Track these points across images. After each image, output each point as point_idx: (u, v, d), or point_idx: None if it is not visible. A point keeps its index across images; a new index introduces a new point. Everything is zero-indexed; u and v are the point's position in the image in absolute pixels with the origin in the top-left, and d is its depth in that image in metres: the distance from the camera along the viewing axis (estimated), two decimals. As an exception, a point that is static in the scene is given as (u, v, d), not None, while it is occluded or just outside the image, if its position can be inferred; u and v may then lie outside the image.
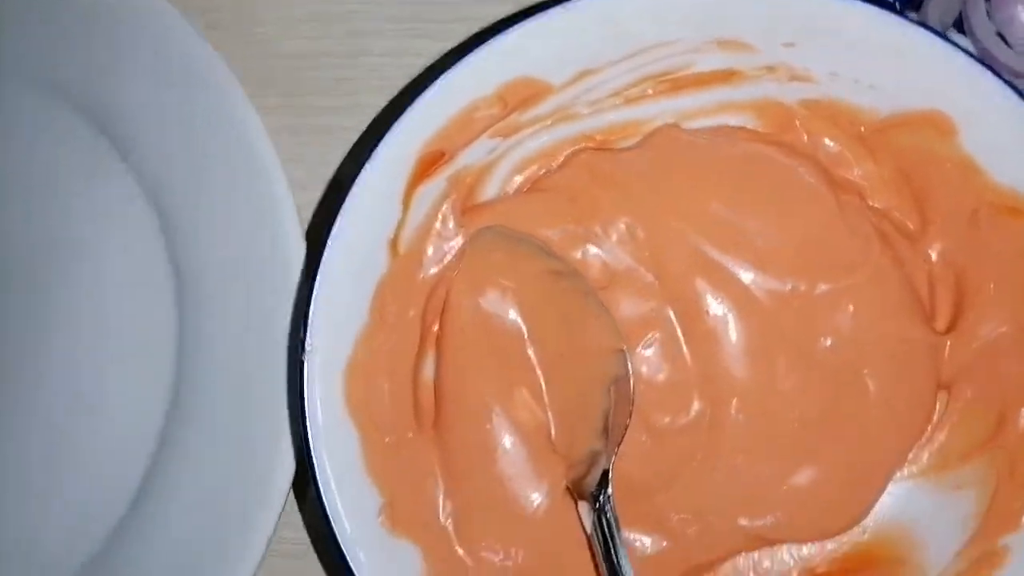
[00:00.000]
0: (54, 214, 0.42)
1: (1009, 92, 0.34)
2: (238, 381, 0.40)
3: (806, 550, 0.38)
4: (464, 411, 0.37)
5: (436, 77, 0.35)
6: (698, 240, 0.38)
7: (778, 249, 0.37)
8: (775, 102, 0.38)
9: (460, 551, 0.37)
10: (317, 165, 0.44)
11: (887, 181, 0.38)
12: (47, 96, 0.43)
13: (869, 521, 0.38)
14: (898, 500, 0.38)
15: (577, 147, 0.39)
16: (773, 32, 0.36)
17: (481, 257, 0.38)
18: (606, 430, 0.36)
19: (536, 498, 0.37)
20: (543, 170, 0.39)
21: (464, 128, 0.37)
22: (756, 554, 0.38)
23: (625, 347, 0.37)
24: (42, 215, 0.42)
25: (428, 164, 0.36)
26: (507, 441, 0.37)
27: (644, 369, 0.37)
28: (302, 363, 0.34)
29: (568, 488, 0.37)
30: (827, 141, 0.38)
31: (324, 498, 0.34)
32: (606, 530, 0.35)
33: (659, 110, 0.39)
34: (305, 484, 0.40)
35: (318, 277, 0.34)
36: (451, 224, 0.38)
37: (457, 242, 0.38)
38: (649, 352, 0.37)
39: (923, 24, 0.35)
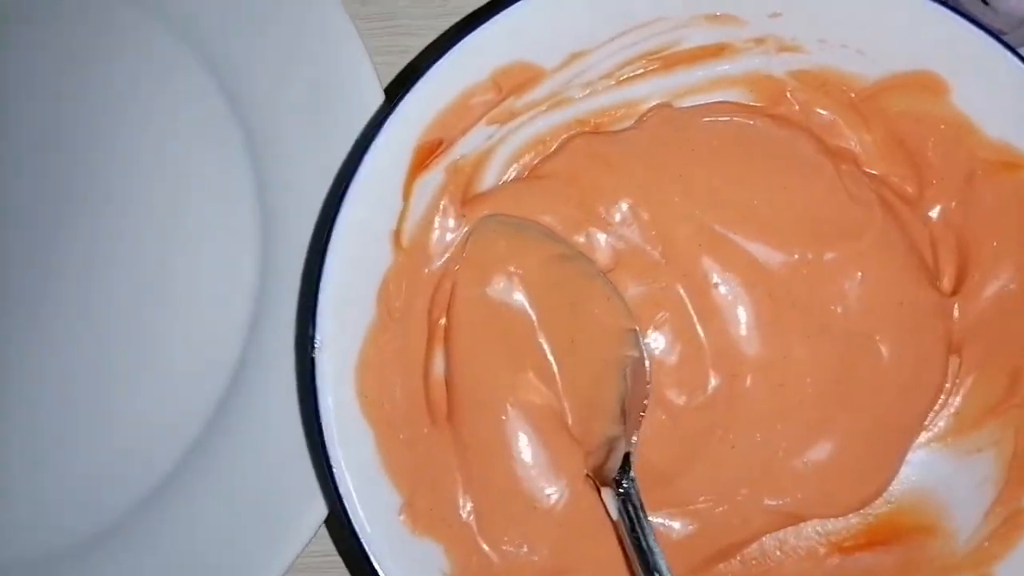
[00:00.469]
0: (140, 129, 0.42)
1: (998, 46, 0.34)
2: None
3: (831, 525, 0.38)
4: (477, 404, 0.36)
5: (431, 65, 0.35)
6: (702, 216, 0.37)
7: (782, 220, 0.37)
8: (766, 75, 0.38)
9: (484, 546, 0.36)
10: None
11: (882, 147, 0.38)
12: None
13: (892, 492, 0.38)
14: (919, 469, 0.38)
15: (573, 132, 0.39)
16: (760, 3, 0.36)
17: (485, 246, 0.37)
18: (623, 414, 0.36)
19: (557, 488, 0.36)
20: (540, 156, 0.39)
21: (461, 115, 0.36)
22: (781, 533, 0.38)
23: (637, 327, 0.36)
24: (129, 130, 0.42)
25: (426, 153, 0.36)
26: (523, 432, 0.36)
27: (657, 349, 0.37)
28: (312, 360, 0.33)
29: (589, 476, 0.36)
30: (820, 110, 0.38)
31: (343, 499, 0.32)
32: (633, 515, 0.34)
33: (652, 90, 0.39)
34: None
35: (323, 272, 0.33)
36: (451, 215, 0.37)
37: (460, 233, 0.37)
38: (661, 331, 0.37)
39: (907, -13, 0.36)
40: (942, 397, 0.38)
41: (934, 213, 0.38)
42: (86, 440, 0.40)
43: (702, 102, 0.39)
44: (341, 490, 0.32)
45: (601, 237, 0.38)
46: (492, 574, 0.35)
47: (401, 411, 0.35)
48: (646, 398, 0.36)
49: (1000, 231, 0.37)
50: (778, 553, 0.38)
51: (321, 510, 0.37)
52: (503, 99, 0.37)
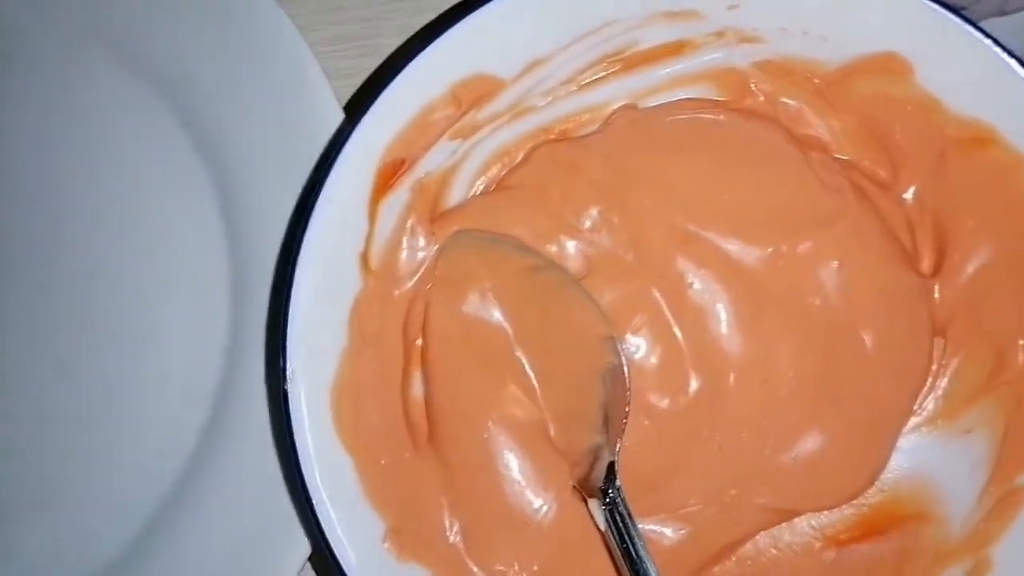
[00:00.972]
0: (112, 172, 0.42)
1: (959, 22, 0.34)
2: None
3: (825, 519, 0.37)
4: (459, 423, 0.36)
5: (386, 83, 0.34)
6: (673, 216, 0.37)
7: (754, 213, 0.37)
8: (728, 68, 0.38)
9: (474, 568, 0.35)
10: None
11: (851, 132, 0.38)
12: (102, 52, 0.42)
13: (885, 480, 0.37)
14: (910, 455, 0.37)
15: (538, 140, 0.38)
16: (717, -5, 0.36)
17: (456, 263, 0.37)
18: (606, 422, 0.35)
19: (544, 503, 0.36)
20: (507, 168, 0.39)
21: (422, 132, 0.36)
22: (776, 530, 0.37)
23: (614, 334, 0.36)
24: (96, 167, 0.42)
25: (389, 174, 0.36)
26: (507, 448, 0.36)
27: (636, 354, 0.37)
28: (285, 392, 0.32)
29: (575, 487, 0.36)
30: (785, 100, 0.38)
31: (324, 530, 0.32)
32: (620, 524, 0.34)
33: (615, 92, 0.38)
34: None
35: (290, 301, 0.33)
36: (420, 235, 0.37)
37: (430, 251, 0.37)
38: (639, 336, 0.37)
39: (863, -31, 0.35)
40: (929, 380, 0.37)
41: (908, 195, 0.38)
42: (64, 491, 0.40)
43: (667, 100, 0.39)
44: (322, 521, 0.32)
45: (573, 245, 0.37)
46: (483, 594, 0.35)
47: (381, 437, 0.35)
48: (627, 404, 0.35)
49: (976, 208, 0.36)
50: (773, 551, 0.37)
51: (304, 547, 0.37)
52: (464, 113, 0.37)
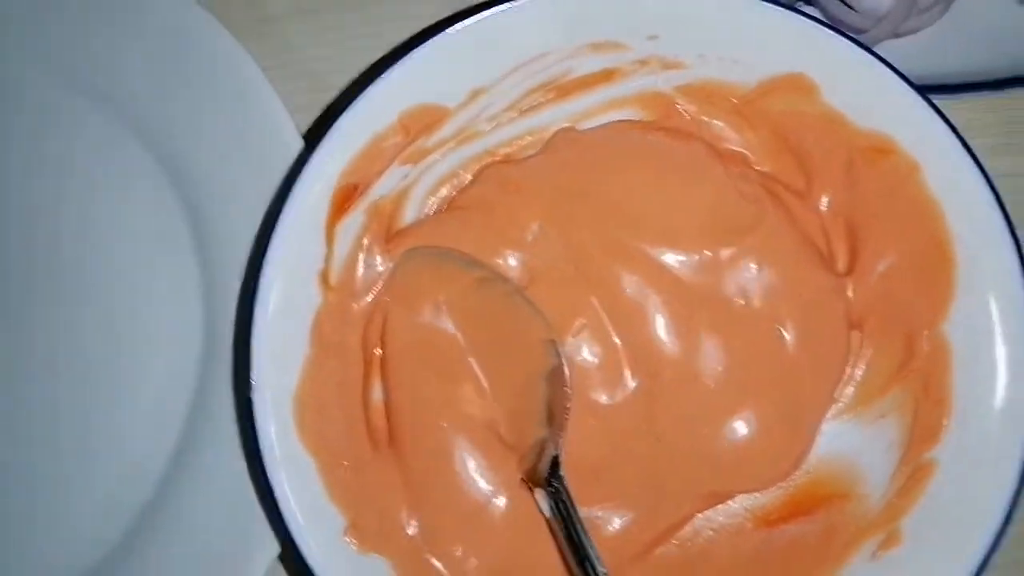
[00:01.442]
0: (88, 200, 0.45)
1: (855, 47, 0.37)
2: None
3: (756, 501, 0.40)
4: (416, 425, 0.39)
5: (338, 116, 0.38)
6: (608, 228, 0.40)
7: (681, 224, 0.40)
8: (654, 92, 0.41)
9: (433, 561, 0.38)
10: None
11: (768, 146, 0.41)
12: (62, 86, 0.45)
13: (809, 464, 0.40)
14: (832, 439, 0.40)
15: (484, 163, 0.42)
16: (636, 29, 0.39)
17: (410, 278, 0.40)
18: (550, 418, 0.38)
19: (498, 497, 0.39)
20: (456, 189, 0.42)
21: (373, 159, 0.39)
22: (711, 512, 0.40)
23: (555, 337, 0.39)
24: (69, 205, 0.45)
25: (344, 198, 0.39)
26: (461, 446, 0.39)
27: (579, 355, 0.40)
28: (249, 399, 0.35)
29: (523, 480, 0.39)
30: (707, 119, 0.41)
31: (289, 525, 0.35)
32: (564, 511, 0.37)
33: (554, 116, 0.42)
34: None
35: (255, 316, 0.36)
36: (376, 253, 0.40)
37: (386, 268, 0.40)
38: (579, 339, 0.40)
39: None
40: (848, 370, 0.41)
41: (823, 203, 0.41)
42: (40, 501, 0.43)
43: (601, 122, 0.42)
44: (286, 518, 0.35)
45: (517, 257, 0.41)
46: (441, 583, 0.38)
47: (343, 440, 0.38)
48: (568, 401, 0.38)
49: (882, 212, 0.39)
50: (710, 532, 0.40)
51: (273, 546, 0.40)
52: (412, 140, 0.40)
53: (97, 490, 0.43)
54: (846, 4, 0.41)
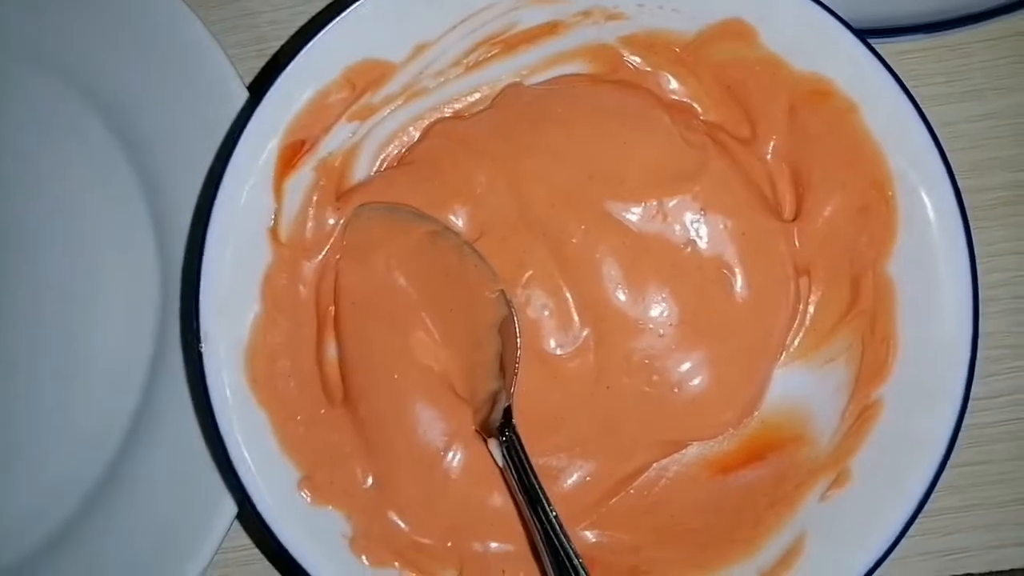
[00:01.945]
0: (37, 170, 0.45)
1: (790, -10, 0.37)
2: None
3: (710, 448, 0.41)
4: (370, 381, 0.39)
5: (280, 70, 0.38)
6: (555, 180, 0.40)
7: (627, 173, 0.40)
8: (599, 44, 0.41)
9: (389, 512, 0.38)
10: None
11: (713, 95, 0.41)
12: (4, 47, 0.45)
13: (762, 410, 0.41)
14: (783, 385, 0.41)
15: (432, 119, 0.42)
16: (577, -23, 0.39)
17: (361, 234, 0.40)
18: (503, 369, 0.39)
19: (452, 449, 0.39)
20: (405, 146, 0.42)
21: (319, 115, 0.39)
22: (666, 460, 0.41)
23: (504, 289, 0.39)
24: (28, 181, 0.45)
25: (291, 154, 0.39)
26: (414, 399, 0.39)
27: (528, 306, 0.40)
28: (200, 353, 0.35)
29: (477, 431, 0.39)
30: (652, 70, 0.41)
31: (242, 477, 0.35)
32: (516, 459, 0.37)
33: (500, 71, 0.42)
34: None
35: (202, 270, 0.36)
36: (326, 209, 0.40)
37: (337, 225, 0.40)
38: (528, 290, 0.40)
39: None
40: (798, 317, 0.41)
41: (768, 149, 0.41)
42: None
43: (548, 77, 0.42)
44: (239, 470, 0.35)
45: (466, 211, 0.41)
46: (394, 534, 0.38)
47: (296, 395, 0.38)
48: (518, 351, 0.39)
49: (825, 155, 0.40)
50: (665, 481, 0.40)
51: (231, 508, 0.40)
52: (359, 96, 0.40)
53: (55, 458, 0.43)
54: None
